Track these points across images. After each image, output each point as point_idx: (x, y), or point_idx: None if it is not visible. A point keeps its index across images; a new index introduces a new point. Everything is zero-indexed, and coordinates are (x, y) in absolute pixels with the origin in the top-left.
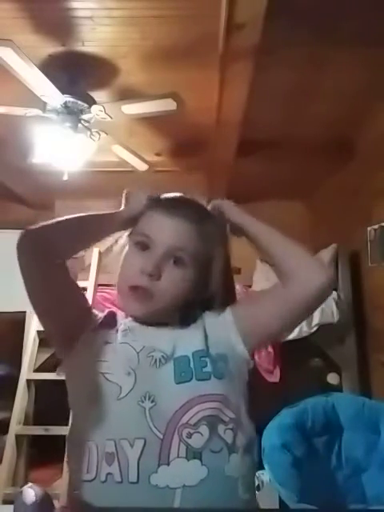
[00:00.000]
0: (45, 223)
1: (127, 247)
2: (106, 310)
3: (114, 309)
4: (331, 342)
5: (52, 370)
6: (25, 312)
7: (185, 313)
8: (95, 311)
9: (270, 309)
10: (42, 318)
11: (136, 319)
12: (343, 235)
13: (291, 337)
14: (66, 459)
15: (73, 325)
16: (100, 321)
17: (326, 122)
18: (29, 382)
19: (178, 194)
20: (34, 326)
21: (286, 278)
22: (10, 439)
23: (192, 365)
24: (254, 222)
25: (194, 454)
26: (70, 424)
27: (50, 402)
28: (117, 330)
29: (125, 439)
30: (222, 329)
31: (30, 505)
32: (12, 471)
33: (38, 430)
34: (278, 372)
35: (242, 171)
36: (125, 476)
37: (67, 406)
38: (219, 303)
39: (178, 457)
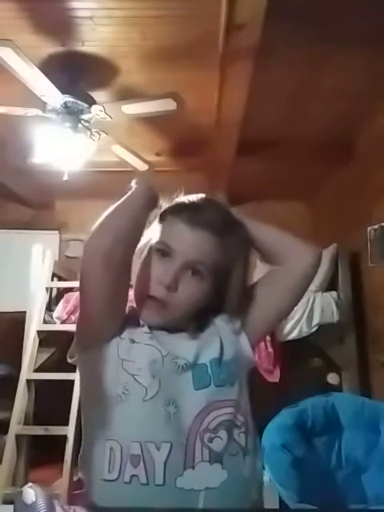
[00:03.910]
0: (105, 219)
1: (145, 252)
2: (128, 305)
3: (133, 305)
4: (331, 342)
5: (52, 370)
6: (25, 312)
7: (200, 320)
8: None
9: (268, 294)
10: (91, 309)
11: (151, 326)
12: (343, 235)
13: (291, 337)
14: (65, 459)
15: (113, 321)
16: (125, 316)
17: (326, 122)
18: (29, 381)
19: (201, 198)
20: (34, 326)
21: (280, 261)
22: (9, 439)
23: (210, 371)
24: (244, 218)
25: (216, 458)
26: (83, 419)
27: (50, 402)
28: (141, 330)
29: (151, 442)
30: (232, 333)
31: (30, 505)
32: (12, 471)
33: (38, 430)
34: (277, 372)
35: (242, 171)
36: (151, 478)
37: (67, 406)
38: (234, 313)
39: (202, 460)
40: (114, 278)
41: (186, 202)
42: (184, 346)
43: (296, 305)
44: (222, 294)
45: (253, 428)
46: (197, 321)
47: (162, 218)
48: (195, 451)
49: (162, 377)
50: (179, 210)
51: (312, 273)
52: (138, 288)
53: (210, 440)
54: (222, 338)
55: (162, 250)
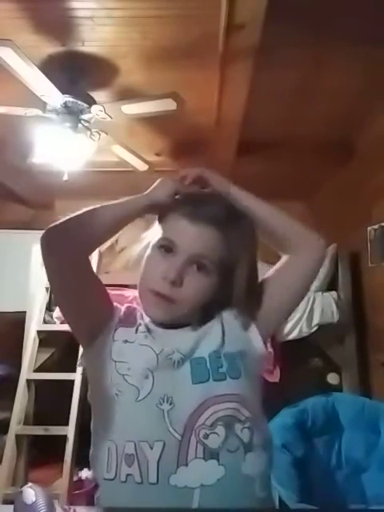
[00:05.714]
0: (66, 218)
1: (150, 249)
2: (125, 305)
3: (132, 304)
4: (331, 342)
5: (52, 370)
6: (25, 312)
7: (204, 313)
8: (116, 304)
9: (280, 285)
10: (66, 313)
11: (156, 322)
12: (343, 235)
13: (291, 337)
14: (65, 459)
15: (96, 320)
16: (120, 316)
17: (326, 121)
18: (29, 381)
19: (203, 192)
20: (33, 326)
21: (291, 249)
22: (9, 439)
23: (209, 365)
24: (258, 202)
25: (211, 454)
26: (92, 419)
27: (50, 402)
28: (136, 329)
29: (144, 441)
30: (240, 326)
31: (30, 505)
32: (12, 471)
33: (38, 430)
34: (277, 372)
35: (242, 171)
36: (144, 477)
37: (67, 406)
38: (243, 307)
39: (196, 457)
40: (77, 267)
41: (187, 196)
42: (182, 339)
43: (305, 295)
44: (229, 288)
45: (262, 423)
46: (201, 314)
47: (164, 214)
48: (189, 448)
49: (157, 375)
50: (180, 204)
51: (323, 260)
52: (143, 285)
53: (206, 436)
54: (226, 330)
55: (166, 246)
